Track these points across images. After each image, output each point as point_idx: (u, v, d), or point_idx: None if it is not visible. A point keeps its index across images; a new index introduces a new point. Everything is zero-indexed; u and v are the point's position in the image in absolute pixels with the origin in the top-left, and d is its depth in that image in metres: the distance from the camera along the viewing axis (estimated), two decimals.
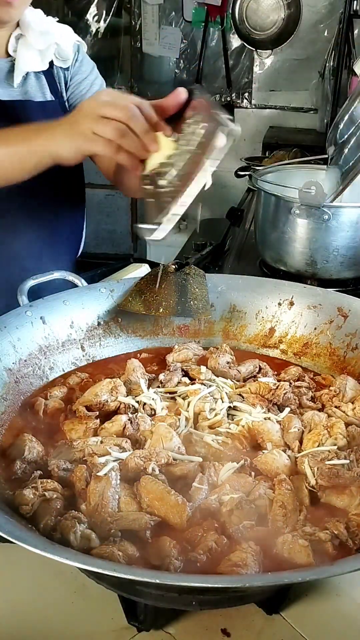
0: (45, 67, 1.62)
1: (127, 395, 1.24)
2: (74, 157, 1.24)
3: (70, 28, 1.69)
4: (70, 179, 1.67)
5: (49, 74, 1.65)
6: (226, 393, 1.26)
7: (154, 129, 1.16)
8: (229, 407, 1.21)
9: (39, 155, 1.27)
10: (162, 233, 1.15)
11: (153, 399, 1.22)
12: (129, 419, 1.16)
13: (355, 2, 3.99)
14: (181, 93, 1.17)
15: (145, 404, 1.21)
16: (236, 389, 1.29)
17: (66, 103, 1.70)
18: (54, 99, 1.65)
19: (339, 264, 1.93)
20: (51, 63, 1.64)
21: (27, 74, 1.60)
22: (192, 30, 4.92)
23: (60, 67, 1.67)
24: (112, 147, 1.16)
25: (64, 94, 1.70)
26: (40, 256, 1.64)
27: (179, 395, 1.25)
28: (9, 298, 1.41)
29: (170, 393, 1.27)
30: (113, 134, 1.14)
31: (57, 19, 1.66)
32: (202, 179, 1.14)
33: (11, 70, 1.58)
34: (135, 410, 1.21)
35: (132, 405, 1.21)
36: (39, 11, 1.63)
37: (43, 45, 1.59)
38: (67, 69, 1.68)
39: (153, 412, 1.20)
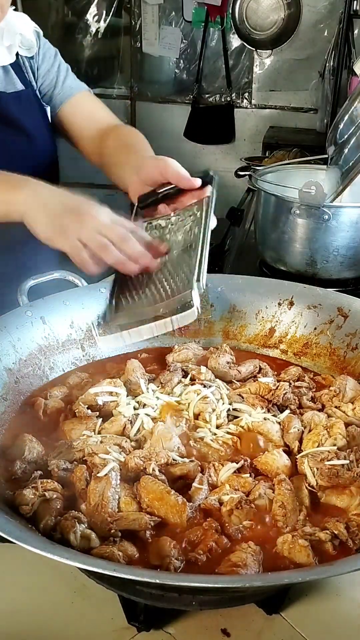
0: (13, 59, 1.62)
1: (127, 396, 1.24)
2: (44, 241, 1.24)
3: (26, 16, 1.69)
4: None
5: (16, 64, 1.65)
6: (225, 394, 1.25)
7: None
8: (229, 408, 1.21)
9: (5, 214, 1.28)
10: (107, 344, 1.15)
11: (157, 398, 1.22)
12: (129, 419, 1.16)
13: (355, 2, 3.99)
14: (196, 184, 1.22)
15: (145, 404, 1.21)
16: (235, 389, 1.29)
17: (37, 92, 1.70)
18: (25, 88, 1.65)
19: (339, 264, 1.93)
20: (16, 54, 1.64)
21: None
22: (192, 30, 4.92)
23: (26, 57, 1.66)
24: (93, 266, 1.21)
25: (34, 83, 1.69)
26: (32, 256, 1.64)
27: (179, 395, 1.25)
28: (5, 297, 1.41)
29: (170, 394, 1.27)
30: (99, 249, 1.17)
31: (14, 7, 1.65)
32: (161, 328, 1.12)
33: None
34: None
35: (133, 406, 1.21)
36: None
37: (9, 41, 1.59)
38: (32, 57, 1.68)
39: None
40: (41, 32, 1.71)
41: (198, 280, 1.06)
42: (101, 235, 1.18)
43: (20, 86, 1.64)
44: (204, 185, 1.20)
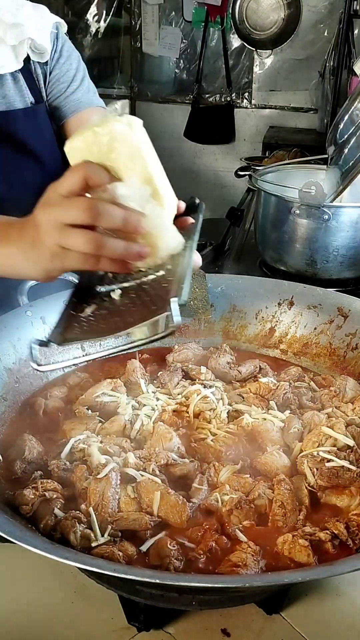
0: (20, 65, 1.41)
1: (128, 396, 1.24)
2: (45, 279, 0.98)
3: (45, 8, 1.46)
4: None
5: (26, 71, 1.44)
6: (225, 395, 1.26)
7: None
8: (229, 409, 1.22)
9: (16, 272, 1.00)
10: (45, 367, 0.91)
11: (157, 399, 1.22)
12: (129, 419, 1.16)
13: (355, 2, 3.99)
14: (181, 207, 0.98)
15: (144, 405, 1.21)
16: (236, 389, 1.29)
17: (46, 104, 1.50)
18: (34, 101, 1.46)
19: (339, 264, 1.93)
20: (28, 58, 1.43)
21: (1, 75, 1.40)
22: (192, 30, 4.92)
23: (38, 62, 1.45)
24: (90, 260, 0.89)
25: (44, 94, 1.49)
26: None
27: (179, 395, 1.25)
28: (5, 297, 1.40)
29: (170, 394, 1.27)
30: (87, 245, 0.86)
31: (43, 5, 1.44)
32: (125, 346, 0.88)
33: None
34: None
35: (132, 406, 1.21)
36: None
37: (14, 40, 1.37)
38: (46, 63, 1.47)
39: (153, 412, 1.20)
40: (64, 27, 1.50)
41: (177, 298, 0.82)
42: (66, 224, 0.87)
43: (30, 98, 1.45)
44: (187, 212, 1.00)
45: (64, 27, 1.51)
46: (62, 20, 1.50)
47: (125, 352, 0.88)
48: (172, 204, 0.94)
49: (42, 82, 1.48)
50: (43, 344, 0.90)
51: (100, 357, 0.91)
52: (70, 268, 0.93)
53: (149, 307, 0.87)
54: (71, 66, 1.52)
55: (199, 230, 0.98)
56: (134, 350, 0.90)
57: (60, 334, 0.92)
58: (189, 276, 0.89)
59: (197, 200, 1.04)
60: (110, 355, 0.90)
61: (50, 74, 1.49)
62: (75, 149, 0.87)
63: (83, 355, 0.93)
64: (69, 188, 0.86)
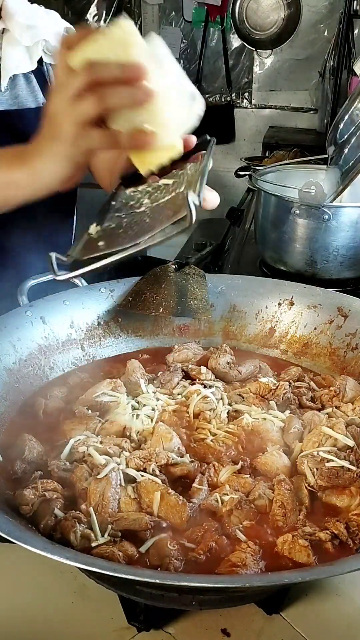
0: (34, 66, 1.47)
1: (128, 396, 1.24)
2: (73, 173, 1.04)
3: (57, 14, 1.52)
4: None
5: (39, 72, 1.49)
6: (225, 395, 1.26)
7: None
8: (229, 409, 1.22)
9: (22, 188, 1.07)
10: (67, 275, 0.96)
11: (157, 399, 1.22)
12: (129, 419, 1.16)
13: (355, 2, 3.99)
14: (192, 141, 1.03)
15: (144, 405, 1.21)
16: (236, 389, 1.29)
17: None
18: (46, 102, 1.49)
19: (339, 264, 1.93)
20: (40, 60, 1.48)
21: (14, 75, 1.45)
22: (192, 30, 4.93)
23: (51, 64, 1.50)
24: (109, 138, 0.96)
25: None
26: (31, 254, 1.56)
27: (179, 395, 1.25)
28: (5, 297, 1.40)
29: (170, 394, 1.27)
30: (98, 102, 0.92)
31: (43, 6, 1.50)
32: (149, 241, 0.92)
33: None
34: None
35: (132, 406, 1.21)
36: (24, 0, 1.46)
37: (29, 41, 1.42)
38: None
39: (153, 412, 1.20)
40: (73, 32, 1.49)
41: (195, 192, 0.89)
42: (75, 96, 0.95)
43: (41, 98, 1.50)
44: (198, 149, 1.03)
45: (74, 31, 1.52)
46: (71, 26, 1.53)
47: (142, 248, 0.93)
48: (181, 80, 0.98)
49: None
50: (61, 259, 0.96)
51: (118, 259, 0.94)
52: (94, 146, 0.98)
53: (166, 213, 0.93)
54: None
55: (210, 155, 1.02)
56: (153, 246, 0.94)
57: (80, 250, 0.97)
58: (204, 177, 0.95)
59: (208, 137, 1.08)
60: (128, 254, 0.93)
61: None
62: (79, 55, 0.94)
63: (102, 257, 0.94)
64: (76, 87, 0.93)
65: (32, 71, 1.47)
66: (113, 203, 1.05)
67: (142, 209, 0.99)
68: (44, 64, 1.50)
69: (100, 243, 0.96)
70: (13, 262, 1.58)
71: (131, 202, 1.03)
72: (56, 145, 1.00)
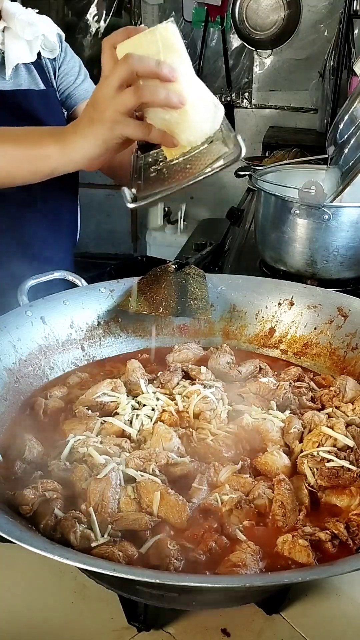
0: (34, 58, 1.63)
1: (128, 396, 1.24)
2: (103, 155, 1.17)
3: (49, 18, 1.70)
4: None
5: (38, 65, 1.66)
6: (225, 395, 1.26)
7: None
8: (229, 409, 1.22)
9: (53, 160, 1.22)
10: (137, 205, 1.11)
11: (157, 399, 1.22)
12: (129, 419, 1.17)
13: (355, 2, 3.99)
14: None
15: (144, 405, 1.21)
16: (235, 389, 1.29)
17: (57, 93, 1.71)
18: (47, 88, 1.67)
19: (339, 264, 1.93)
20: (39, 54, 1.65)
21: (16, 65, 1.61)
22: (192, 30, 4.92)
23: (48, 58, 1.68)
24: (143, 128, 1.10)
25: (54, 84, 1.71)
26: (39, 248, 1.66)
27: (179, 394, 1.25)
28: (5, 297, 1.41)
29: (170, 394, 1.27)
30: (135, 94, 1.06)
31: (37, 10, 1.66)
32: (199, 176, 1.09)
33: (1, 62, 1.59)
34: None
35: (132, 406, 1.21)
36: (18, 4, 1.64)
37: (30, 36, 1.59)
38: (54, 59, 1.69)
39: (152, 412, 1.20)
40: (63, 35, 1.73)
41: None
42: (120, 88, 1.09)
43: (42, 86, 1.66)
44: None
45: (63, 35, 1.75)
46: (62, 32, 1.74)
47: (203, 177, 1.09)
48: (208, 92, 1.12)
49: (52, 74, 1.70)
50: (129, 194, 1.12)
51: (183, 187, 1.10)
52: (128, 134, 1.12)
53: (205, 159, 1.09)
54: (75, 64, 1.76)
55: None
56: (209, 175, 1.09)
57: (141, 188, 1.14)
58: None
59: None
60: (191, 183, 1.09)
61: (59, 69, 1.72)
62: (124, 49, 1.06)
63: (166, 188, 1.11)
64: (118, 77, 1.07)
65: (32, 63, 1.64)
66: (141, 162, 1.22)
67: (177, 161, 1.13)
68: (42, 57, 1.67)
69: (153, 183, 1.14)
70: (17, 261, 1.60)
71: (161, 158, 1.18)
72: (95, 127, 1.14)
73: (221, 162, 1.08)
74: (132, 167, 1.24)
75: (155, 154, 1.23)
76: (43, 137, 1.24)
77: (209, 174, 1.08)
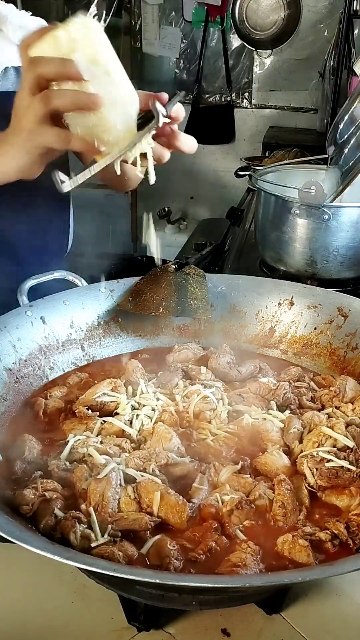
0: None
1: (127, 396, 1.24)
2: (28, 165, 1.09)
3: (44, 21, 1.65)
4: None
5: None
6: (225, 395, 1.26)
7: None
8: (229, 409, 1.22)
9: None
10: (69, 186, 1.04)
11: (157, 399, 1.22)
12: (129, 420, 1.16)
13: (355, 2, 3.98)
14: (163, 97, 1.09)
15: (144, 405, 1.21)
16: (236, 389, 1.29)
17: None
18: None
19: (339, 264, 1.93)
20: None
21: (5, 68, 1.57)
22: (192, 30, 4.92)
23: None
24: (62, 136, 1.02)
25: None
26: (28, 254, 1.61)
27: (179, 395, 1.25)
28: (5, 297, 1.40)
29: (170, 394, 1.27)
30: (44, 101, 0.98)
31: (31, 13, 1.62)
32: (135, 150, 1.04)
33: None
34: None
35: (132, 406, 1.21)
36: (12, 5, 1.59)
37: (21, 40, 1.57)
38: None
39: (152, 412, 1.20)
40: None
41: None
42: (32, 95, 1.02)
43: None
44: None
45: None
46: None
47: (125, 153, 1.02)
48: (126, 87, 1.04)
49: None
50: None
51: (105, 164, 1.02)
52: (46, 144, 1.04)
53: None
54: None
55: (173, 104, 1.07)
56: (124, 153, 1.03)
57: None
58: (173, 99, 1.06)
59: (178, 91, 1.14)
60: (115, 159, 1.03)
61: None
62: (35, 52, 0.99)
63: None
64: (30, 84, 1.00)
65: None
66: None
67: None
68: None
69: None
70: (10, 259, 1.59)
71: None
72: (14, 138, 1.06)
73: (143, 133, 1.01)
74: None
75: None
76: None
77: (131, 147, 1.02)
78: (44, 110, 1.00)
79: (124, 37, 5.10)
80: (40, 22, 1.63)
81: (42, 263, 1.58)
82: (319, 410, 1.21)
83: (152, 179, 1.08)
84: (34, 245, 1.65)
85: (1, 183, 1.16)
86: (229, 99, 5.03)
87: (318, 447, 1.07)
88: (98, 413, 1.19)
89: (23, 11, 1.61)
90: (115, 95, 1.00)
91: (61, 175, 1.03)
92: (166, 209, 4.90)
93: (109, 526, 0.92)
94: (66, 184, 1.03)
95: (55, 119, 1.02)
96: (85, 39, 0.98)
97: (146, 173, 1.08)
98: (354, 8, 4.00)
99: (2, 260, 1.58)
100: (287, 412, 1.20)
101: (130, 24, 5.04)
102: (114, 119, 1.00)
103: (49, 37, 0.99)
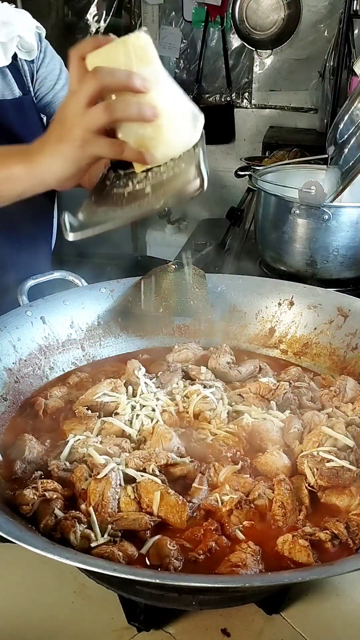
0: (8, 61, 1.50)
1: (128, 396, 1.24)
2: (72, 175, 1.07)
3: (28, 13, 1.56)
4: None
5: (14, 68, 1.52)
6: (225, 395, 1.26)
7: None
8: (229, 409, 1.22)
9: (20, 182, 1.11)
10: (78, 236, 1.02)
11: (157, 399, 1.22)
12: (129, 420, 1.16)
13: (355, 2, 3.98)
14: None
15: (144, 405, 1.21)
16: (235, 389, 1.29)
17: (34, 99, 1.58)
18: (23, 95, 1.53)
19: (339, 264, 1.93)
20: (14, 56, 1.51)
21: None
22: (192, 30, 4.92)
23: (25, 60, 1.54)
24: (115, 147, 1.00)
25: (31, 89, 1.57)
26: (11, 256, 1.58)
27: (179, 395, 1.25)
28: (5, 297, 1.40)
29: (170, 394, 1.27)
30: (105, 112, 0.97)
31: (14, 5, 1.53)
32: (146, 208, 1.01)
33: None
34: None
35: (132, 406, 1.21)
36: None
37: (5, 38, 1.46)
38: (32, 61, 1.55)
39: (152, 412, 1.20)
40: (43, 32, 1.60)
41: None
42: (89, 104, 0.99)
43: (18, 92, 1.53)
44: None
45: (43, 31, 1.60)
46: (41, 25, 1.59)
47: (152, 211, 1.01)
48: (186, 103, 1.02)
49: (29, 78, 1.55)
50: (73, 217, 1.02)
51: (130, 217, 1.02)
52: (99, 153, 1.02)
53: (171, 186, 1.00)
54: (55, 66, 1.60)
55: (203, 139, 1.05)
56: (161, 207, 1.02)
57: (86, 215, 1.04)
58: (205, 156, 1.02)
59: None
60: (137, 218, 1.02)
61: (37, 72, 1.57)
62: (94, 61, 0.98)
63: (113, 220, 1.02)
64: (86, 93, 0.97)
65: (7, 66, 1.51)
66: (107, 182, 1.10)
67: (140, 185, 1.04)
68: (18, 59, 1.53)
69: (104, 209, 1.04)
70: (16, 262, 1.57)
71: (125, 180, 1.08)
72: (62, 146, 1.04)
73: (181, 193, 1.00)
74: (96, 181, 1.12)
75: (126, 174, 1.12)
76: (7, 157, 1.13)
77: (163, 206, 1.00)
78: (104, 121, 0.98)
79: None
80: (24, 15, 1.55)
81: (46, 265, 1.56)
82: (319, 410, 1.21)
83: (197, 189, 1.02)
84: (39, 247, 1.62)
85: (36, 192, 1.14)
86: (229, 99, 5.03)
87: (318, 447, 1.07)
88: (98, 413, 1.19)
89: (6, 3, 1.51)
90: (174, 108, 1.00)
91: (70, 218, 1.01)
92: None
93: (109, 526, 0.92)
94: (76, 232, 1.01)
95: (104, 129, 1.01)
96: (143, 53, 0.97)
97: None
98: (354, 8, 4.00)
99: (8, 262, 1.56)
100: (287, 412, 1.20)
101: (130, 24, 5.04)
102: (169, 132, 1.00)
103: (108, 47, 0.98)
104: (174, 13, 4.91)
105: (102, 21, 5.07)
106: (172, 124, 0.99)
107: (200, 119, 1.03)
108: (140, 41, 0.96)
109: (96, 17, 5.06)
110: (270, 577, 0.86)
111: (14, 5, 1.53)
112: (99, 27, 5.08)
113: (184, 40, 4.97)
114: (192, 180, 0.99)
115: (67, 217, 1.01)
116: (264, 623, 1.00)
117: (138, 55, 0.96)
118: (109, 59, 0.97)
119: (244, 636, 0.98)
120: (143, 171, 1.03)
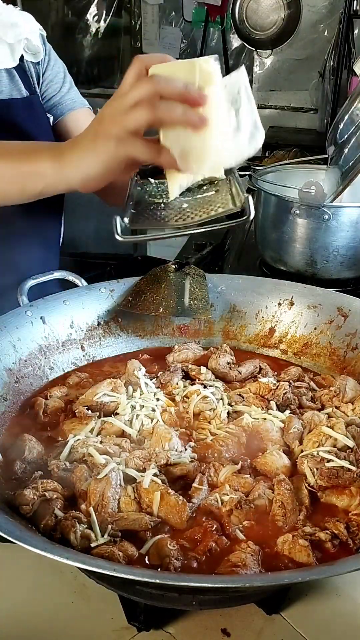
0: (16, 62, 1.52)
1: (127, 396, 1.24)
2: (98, 176, 1.04)
3: (31, 15, 1.57)
4: None
5: (20, 69, 1.54)
6: (225, 395, 1.26)
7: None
8: (229, 409, 1.22)
9: (45, 178, 1.09)
10: (127, 240, 1.03)
11: (157, 399, 1.22)
12: (129, 420, 1.16)
13: (355, 2, 3.99)
14: None
15: (143, 406, 1.21)
16: (236, 389, 1.29)
17: (40, 100, 1.59)
18: (30, 95, 1.55)
19: (339, 264, 1.93)
20: (21, 58, 1.53)
21: None
22: (192, 30, 4.92)
23: (31, 62, 1.56)
24: (152, 150, 0.98)
25: (38, 90, 1.58)
26: (20, 255, 1.58)
27: (179, 395, 1.25)
28: (5, 297, 1.40)
29: (170, 394, 1.27)
30: (149, 109, 0.95)
31: (19, 7, 1.56)
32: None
33: None
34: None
35: (132, 406, 1.21)
36: None
37: (12, 39, 1.48)
38: (38, 63, 1.57)
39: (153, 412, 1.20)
40: (44, 34, 1.62)
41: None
42: (133, 103, 0.98)
43: (25, 92, 1.54)
44: None
45: (45, 35, 1.61)
46: (43, 30, 1.61)
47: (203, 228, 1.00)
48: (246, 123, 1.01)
49: (35, 80, 1.57)
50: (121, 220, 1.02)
51: (175, 235, 1.04)
52: (134, 154, 0.99)
53: (212, 207, 1.00)
54: (60, 69, 1.63)
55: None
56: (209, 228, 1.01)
57: (133, 218, 1.04)
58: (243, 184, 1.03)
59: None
60: (184, 234, 1.05)
61: (43, 74, 1.59)
62: (159, 71, 0.98)
63: (159, 231, 1.04)
64: (138, 94, 0.97)
65: (14, 67, 1.52)
66: (139, 189, 1.11)
67: (177, 201, 1.05)
68: (25, 61, 1.55)
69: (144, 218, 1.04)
70: (16, 262, 1.58)
71: (160, 190, 1.09)
72: (98, 143, 1.02)
73: (222, 216, 0.99)
74: (128, 191, 1.12)
75: (155, 183, 1.12)
76: (37, 152, 1.12)
77: (206, 227, 0.99)
78: (146, 119, 0.96)
79: (124, 37, 5.11)
80: (28, 17, 1.56)
81: (46, 265, 1.56)
82: (319, 410, 1.21)
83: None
84: (39, 247, 1.63)
85: (57, 192, 1.11)
86: None
87: (318, 447, 1.07)
88: (98, 413, 1.19)
89: (10, 6, 1.53)
90: (226, 123, 0.98)
91: (119, 222, 1.01)
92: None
93: (109, 526, 0.92)
94: (126, 236, 1.01)
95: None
96: (208, 77, 0.96)
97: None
98: (354, 8, 4.01)
99: (8, 262, 1.56)
100: (287, 412, 1.20)
101: (130, 24, 5.04)
102: (214, 145, 0.98)
103: (175, 63, 1.00)
104: (174, 13, 4.92)
105: (102, 21, 5.07)
106: (219, 137, 0.97)
107: (259, 137, 1.01)
108: (209, 66, 0.96)
109: (96, 17, 5.07)
110: (270, 577, 0.86)
111: (19, 8, 1.54)
112: (99, 27, 5.08)
113: (184, 40, 4.98)
114: (230, 205, 0.99)
115: (118, 220, 1.01)
116: (264, 623, 1.00)
117: (202, 77, 0.95)
118: (172, 72, 0.97)
119: (244, 636, 0.98)
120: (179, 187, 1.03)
